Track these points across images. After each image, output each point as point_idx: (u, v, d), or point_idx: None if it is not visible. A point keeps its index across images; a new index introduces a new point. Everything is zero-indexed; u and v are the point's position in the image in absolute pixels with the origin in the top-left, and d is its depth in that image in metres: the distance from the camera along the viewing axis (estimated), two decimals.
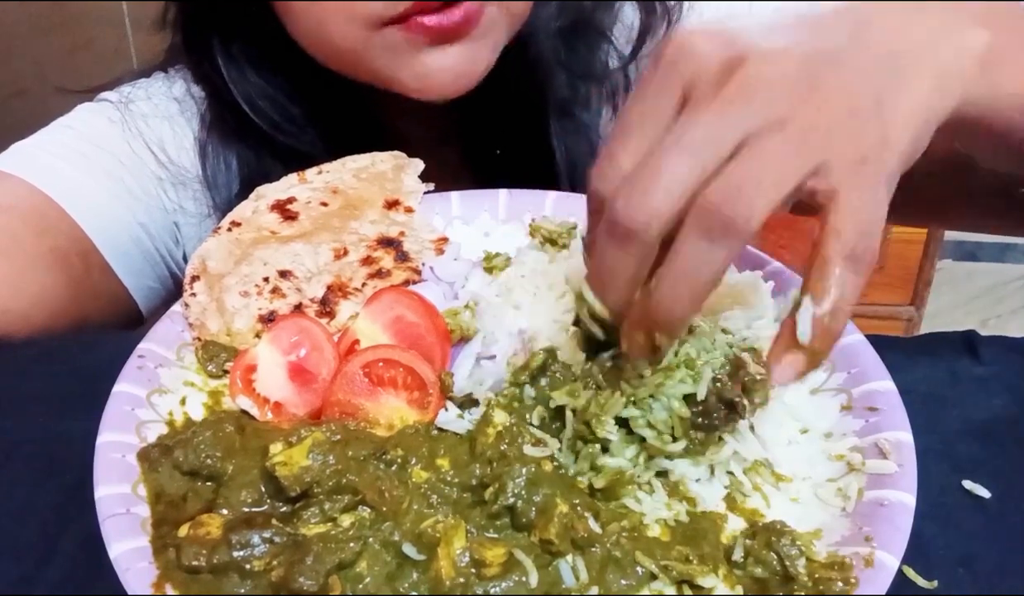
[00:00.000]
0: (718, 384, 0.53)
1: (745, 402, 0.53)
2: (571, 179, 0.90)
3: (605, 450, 0.53)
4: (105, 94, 0.92)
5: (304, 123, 0.88)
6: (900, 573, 0.48)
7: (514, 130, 0.89)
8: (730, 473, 0.54)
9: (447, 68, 0.76)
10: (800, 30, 0.48)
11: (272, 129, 0.88)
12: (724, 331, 0.57)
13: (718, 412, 0.53)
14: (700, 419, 0.53)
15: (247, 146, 0.90)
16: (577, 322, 0.54)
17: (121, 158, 0.88)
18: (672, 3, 0.91)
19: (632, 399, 0.53)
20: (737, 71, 0.45)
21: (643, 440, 0.53)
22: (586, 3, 0.89)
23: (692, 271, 0.45)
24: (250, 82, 0.87)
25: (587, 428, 0.53)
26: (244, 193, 0.84)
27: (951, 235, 2.46)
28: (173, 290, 0.93)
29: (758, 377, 0.54)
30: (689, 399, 0.53)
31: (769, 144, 0.44)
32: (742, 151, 0.44)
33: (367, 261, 0.70)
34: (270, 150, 0.89)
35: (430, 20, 0.73)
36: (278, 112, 0.88)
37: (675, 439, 0.53)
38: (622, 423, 0.53)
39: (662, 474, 0.54)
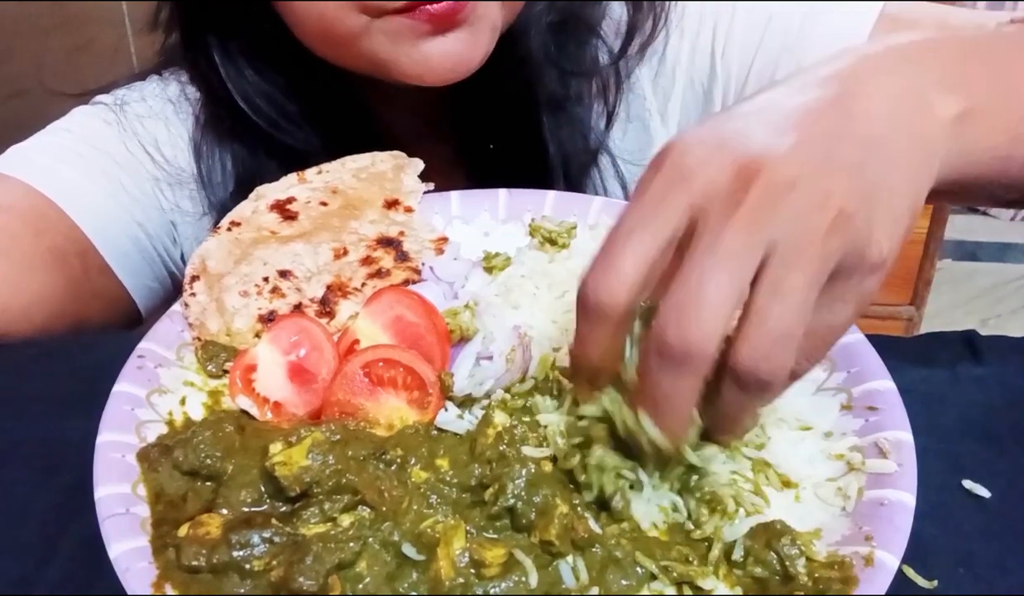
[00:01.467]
0: None
1: None
2: (565, 174, 0.90)
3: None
4: (100, 97, 0.93)
5: (300, 120, 0.89)
6: (900, 573, 0.48)
7: (507, 125, 0.89)
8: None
9: (447, 54, 0.76)
10: (796, 125, 0.48)
11: (269, 126, 0.88)
12: None
13: None
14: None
15: (243, 144, 0.90)
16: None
17: (117, 159, 0.88)
18: (658, 1, 0.91)
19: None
20: (755, 180, 0.45)
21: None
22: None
23: (732, 418, 0.49)
24: (247, 79, 0.87)
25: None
26: (240, 192, 0.84)
27: (951, 235, 2.46)
28: (172, 290, 0.94)
29: None
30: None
31: (786, 272, 0.45)
32: (765, 282, 0.45)
33: (367, 261, 0.70)
34: (266, 148, 0.89)
35: (435, 8, 0.72)
36: (274, 109, 0.88)
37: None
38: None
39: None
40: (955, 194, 0.58)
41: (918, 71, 0.53)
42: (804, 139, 0.47)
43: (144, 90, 0.94)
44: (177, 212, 0.92)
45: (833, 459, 0.55)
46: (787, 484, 0.54)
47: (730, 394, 0.47)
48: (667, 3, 0.91)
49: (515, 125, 0.89)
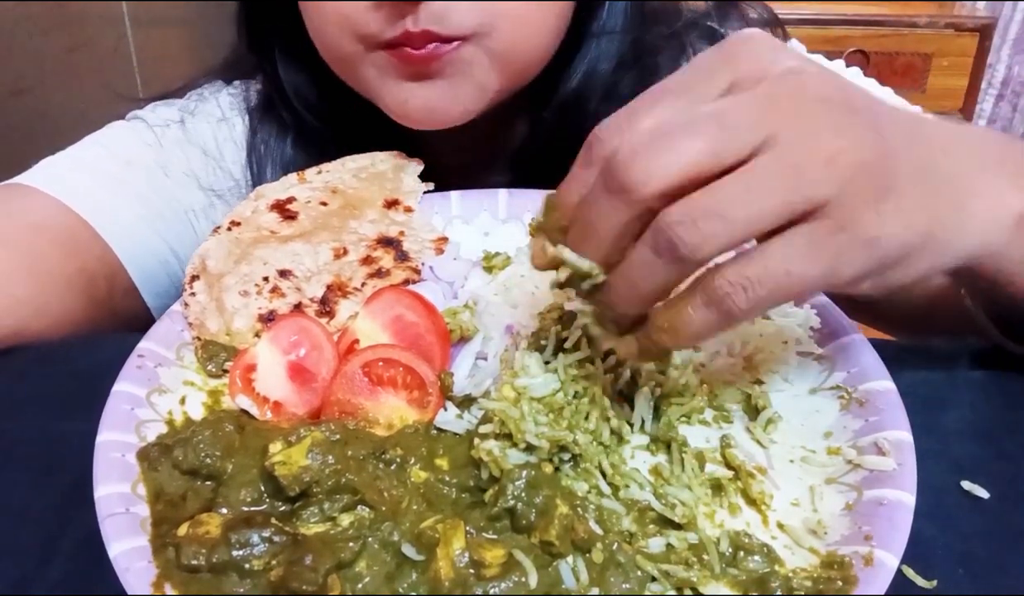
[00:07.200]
0: None
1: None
2: None
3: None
4: (138, 113, 0.93)
5: (351, 131, 0.89)
6: (900, 573, 0.48)
7: (559, 166, 0.89)
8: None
9: (422, 101, 0.77)
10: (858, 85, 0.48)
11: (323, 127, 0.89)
12: None
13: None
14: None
15: (299, 154, 0.91)
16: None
17: (153, 182, 0.88)
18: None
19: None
20: (789, 77, 0.44)
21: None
22: (645, 45, 0.88)
23: (641, 282, 0.46)
24: (303, 82, 0.89)
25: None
26: None
27: None
28: None
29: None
30: None
31: (770, 165, 0.43)
32: (741, 169, 0.43)
33: (367, 261, 0.70)
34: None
35: (415, 52, 0.73)
36: (329, 115, 0.89)
37: None
38: None
39: None
40: (983, 296, 0.58)
41: (997, 172, 0.52)
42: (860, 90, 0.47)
43: (196, 108, 0.94)
44: None
45: (832, 458, 0.55)
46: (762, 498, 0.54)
47: (641, 251, 0.45)
48: None
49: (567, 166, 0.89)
